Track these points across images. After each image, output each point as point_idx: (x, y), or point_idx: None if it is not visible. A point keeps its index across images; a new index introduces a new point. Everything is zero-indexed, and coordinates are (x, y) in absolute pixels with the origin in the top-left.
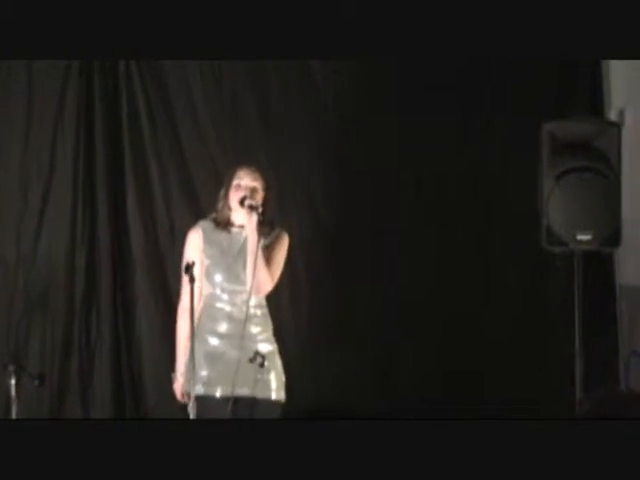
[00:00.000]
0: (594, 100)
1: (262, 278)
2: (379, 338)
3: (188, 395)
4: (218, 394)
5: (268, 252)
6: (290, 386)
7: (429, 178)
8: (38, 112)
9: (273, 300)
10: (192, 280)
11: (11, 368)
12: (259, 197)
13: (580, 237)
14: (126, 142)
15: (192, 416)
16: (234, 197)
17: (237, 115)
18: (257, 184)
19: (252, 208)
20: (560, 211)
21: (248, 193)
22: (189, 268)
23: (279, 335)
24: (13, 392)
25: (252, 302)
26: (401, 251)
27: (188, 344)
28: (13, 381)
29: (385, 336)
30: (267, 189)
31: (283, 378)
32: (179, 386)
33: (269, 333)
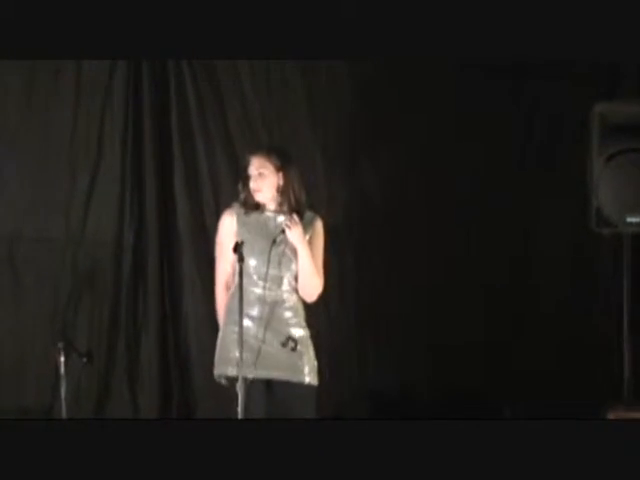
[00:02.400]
0: None
1: (313, 285)
2: (423, 316)
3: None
4: (250, 376)
5: (310, 247)
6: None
7: (476, 161)
8: (87, 99)
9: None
10: (241, 259)
11: (60, 345)
12: (265, 182)
13: (630, 219)
14: (174, 123)
15: (241, 396)
16: (251, 185)
17: (283, 98)
18: (264, 170)
19: (288, 227)
20: (610, 193)
21: (257, 182)
22: (238, 247)
23: (324, 316)
24: (62, 369)
25: (284, 287)
26: (445, 232)
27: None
28: (62, 358)
29: (430, 314)
30: (281, 169)
31: (315, 363)
32: None
33: (301, 318)
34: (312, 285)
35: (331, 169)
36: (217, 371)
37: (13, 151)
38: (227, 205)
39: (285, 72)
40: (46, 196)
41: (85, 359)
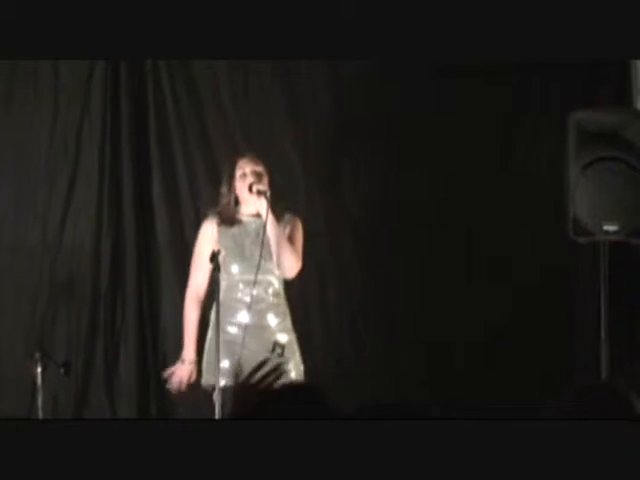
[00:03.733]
0: (622, 90)
1: (289, 261)
2: (405, 326)
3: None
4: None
5: (289, 237)
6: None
7: (455, 169)
8: (65, 101)
9: (299, 290)
10: (217, 269)
11: (37, 356)
12: (266, 181)
13: (607, 228)
14: (152, 130)
15: (218, 405)
16: (242, 187)
17: (262, 104)
18: (261, 169)
19: (260, 193)
20: (587, 201)
21: (255, 179)
22: (215, 256)
23: (306, 324)
24: (39, 380)
25: (270, 291)
26: (426, 241)
27: (196, 332)
28: (39, 369)
29: (410, 324)
30: (271, 174)
31: (302, 367)
32: (184, 373)
33: (287, 322)
34: (288, 261)
35: (311, 174)
36: (205, 381)
37: None
38: (206, 210)
39: (264, 75)
40: (24, 204)
41: (63, 370)
